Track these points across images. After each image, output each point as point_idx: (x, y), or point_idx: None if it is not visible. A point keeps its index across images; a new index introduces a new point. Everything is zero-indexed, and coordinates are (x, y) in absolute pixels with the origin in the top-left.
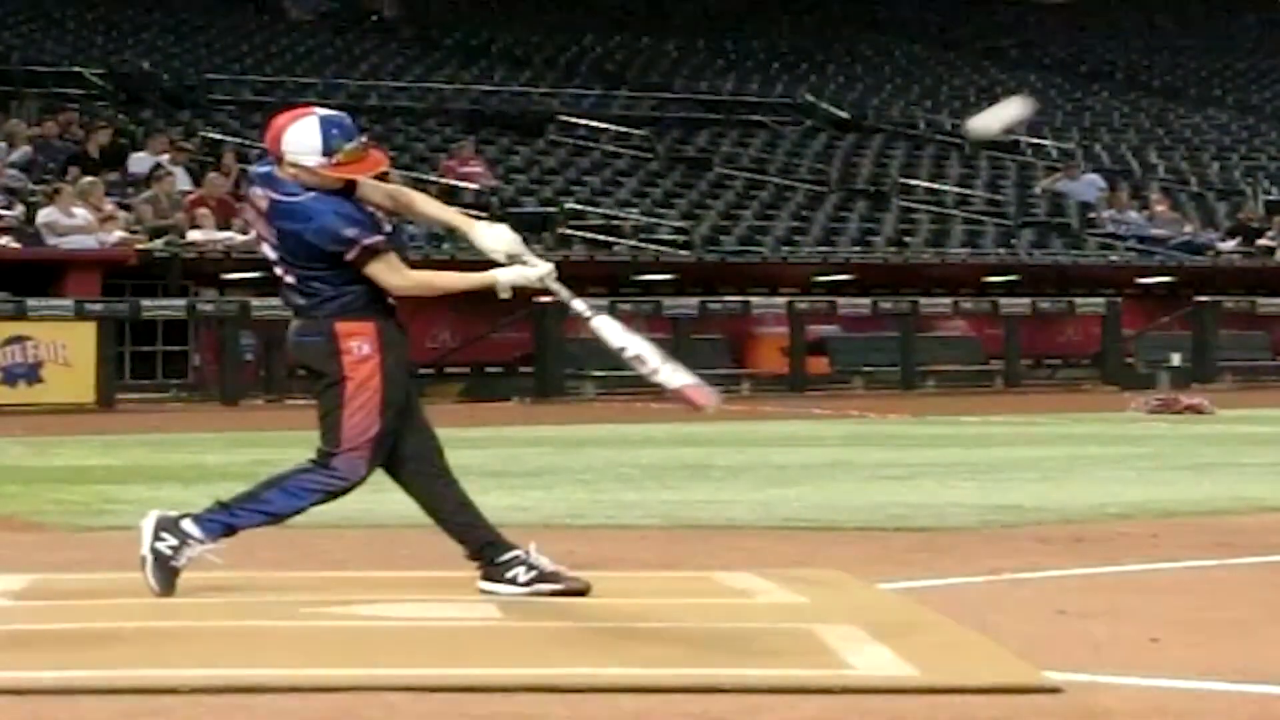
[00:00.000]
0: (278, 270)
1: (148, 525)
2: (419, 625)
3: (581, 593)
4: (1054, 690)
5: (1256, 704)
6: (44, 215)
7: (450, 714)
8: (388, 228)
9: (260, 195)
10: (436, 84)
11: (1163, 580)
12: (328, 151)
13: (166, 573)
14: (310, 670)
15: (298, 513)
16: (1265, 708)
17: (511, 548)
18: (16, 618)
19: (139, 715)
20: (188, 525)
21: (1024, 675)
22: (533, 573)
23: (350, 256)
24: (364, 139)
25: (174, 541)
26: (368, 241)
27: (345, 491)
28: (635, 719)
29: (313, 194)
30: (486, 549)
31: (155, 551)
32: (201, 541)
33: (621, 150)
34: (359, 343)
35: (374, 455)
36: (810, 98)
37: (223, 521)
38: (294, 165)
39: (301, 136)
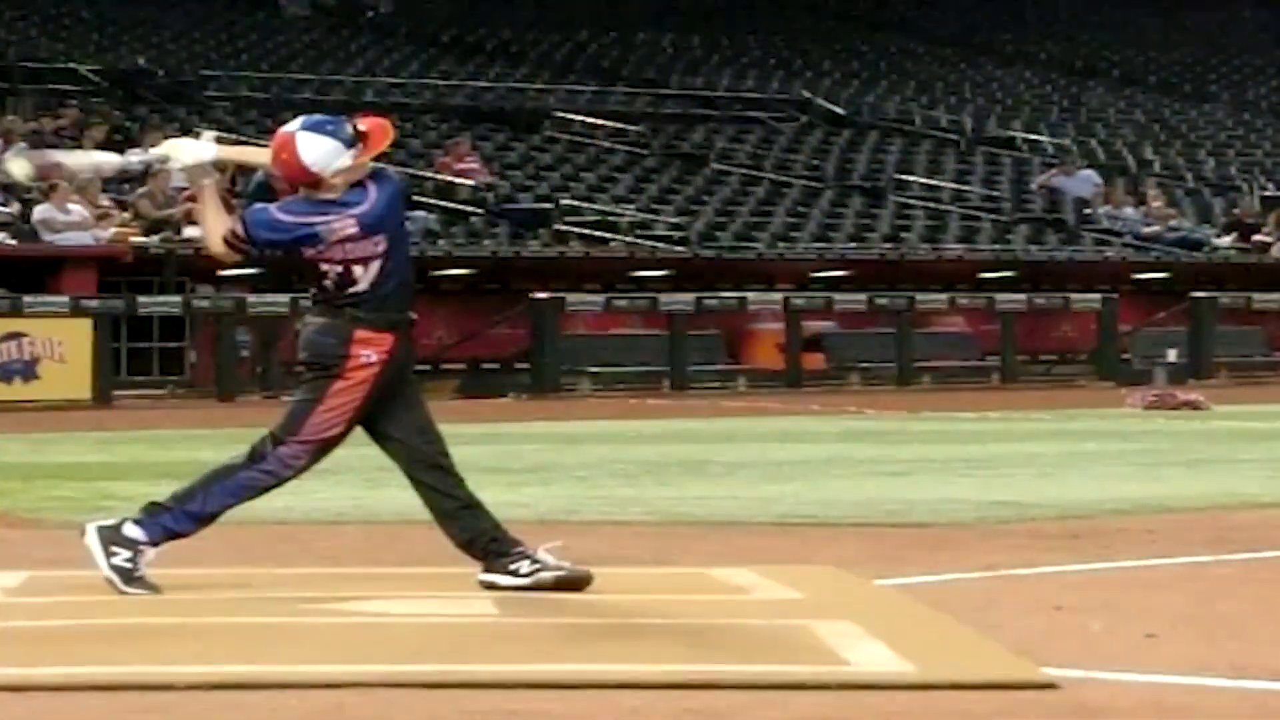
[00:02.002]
0: (327, 267)
1: (93, 544)
2: (416, 621)
3: (584, 583)
4: (1050, 686)
5: (1252, 700)
6: (40, 212)
7: (448, 710)
8: None
9: (342, 224)
10: (432, 80)
11: (1159, 576)
12: (349, 143)
13: (138, 582)
14: (307, 666)
15: (227, 508)
16: (1261, 703)
17: (516, 543)
18: (13, 614)
19: (136, 711)
20: (131, 531)
21: (1021, 671)
22: (535, 565)
23: None
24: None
25: (128, 553)
26: None
27: (281, 484)
28: (632, 715)
29: (371, 187)
30: (491, 543)
31: (116, 569)
32: (153, 544)
33: (617, 146)
34: (370, 351)
35: (318, 453)
36: (806, 94)
37: (161, 524)
38: (337, 175)
39: (316, 148)
